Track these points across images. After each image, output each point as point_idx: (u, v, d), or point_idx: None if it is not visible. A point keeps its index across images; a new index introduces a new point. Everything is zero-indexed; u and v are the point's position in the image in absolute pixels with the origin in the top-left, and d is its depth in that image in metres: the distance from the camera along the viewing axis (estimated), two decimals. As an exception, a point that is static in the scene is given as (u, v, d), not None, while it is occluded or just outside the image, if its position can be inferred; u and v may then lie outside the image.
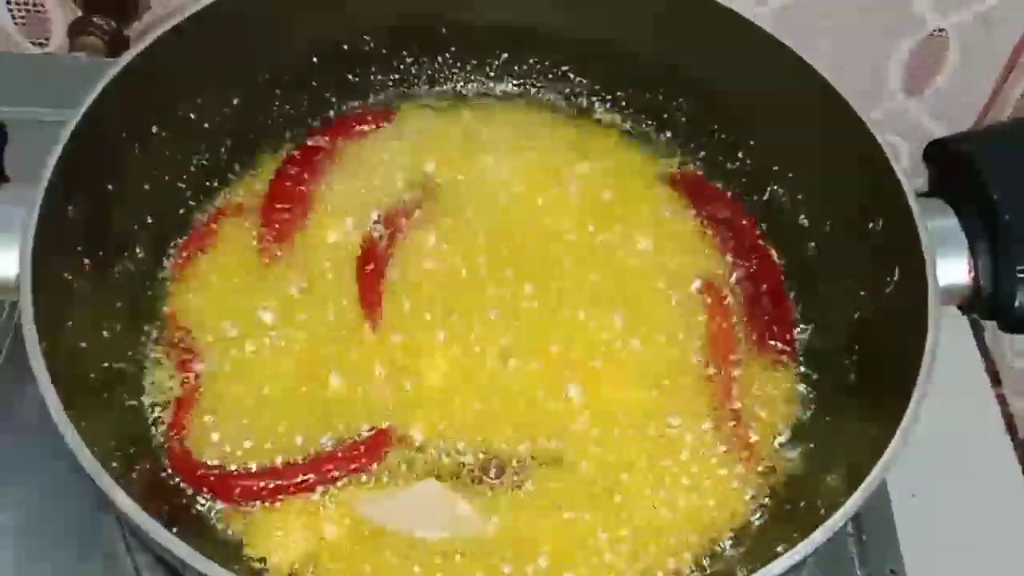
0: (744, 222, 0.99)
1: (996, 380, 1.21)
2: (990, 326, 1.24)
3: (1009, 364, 1.21)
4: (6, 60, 1.33)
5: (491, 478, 0.82)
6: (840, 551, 0.95)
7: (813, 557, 0.69)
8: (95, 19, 1.30)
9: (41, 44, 1.38)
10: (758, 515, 0.84)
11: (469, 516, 0.79)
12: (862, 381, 0.86)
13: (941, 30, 1.30)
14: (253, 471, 0.81)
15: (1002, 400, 1.19)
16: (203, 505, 0.79)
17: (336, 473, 0.80)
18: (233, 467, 0.81)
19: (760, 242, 0.98)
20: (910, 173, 0.83)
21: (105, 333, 0.81)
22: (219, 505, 0.79)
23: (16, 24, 1.36)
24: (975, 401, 1.18)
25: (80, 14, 1.31)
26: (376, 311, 0.90)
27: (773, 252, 0.97)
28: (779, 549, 0.68)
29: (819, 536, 0.68)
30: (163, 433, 0.83)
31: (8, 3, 1.33)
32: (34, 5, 1.34)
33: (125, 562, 0.87)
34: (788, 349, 0.92)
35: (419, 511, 0.78)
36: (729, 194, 1.01)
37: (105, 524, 0.89)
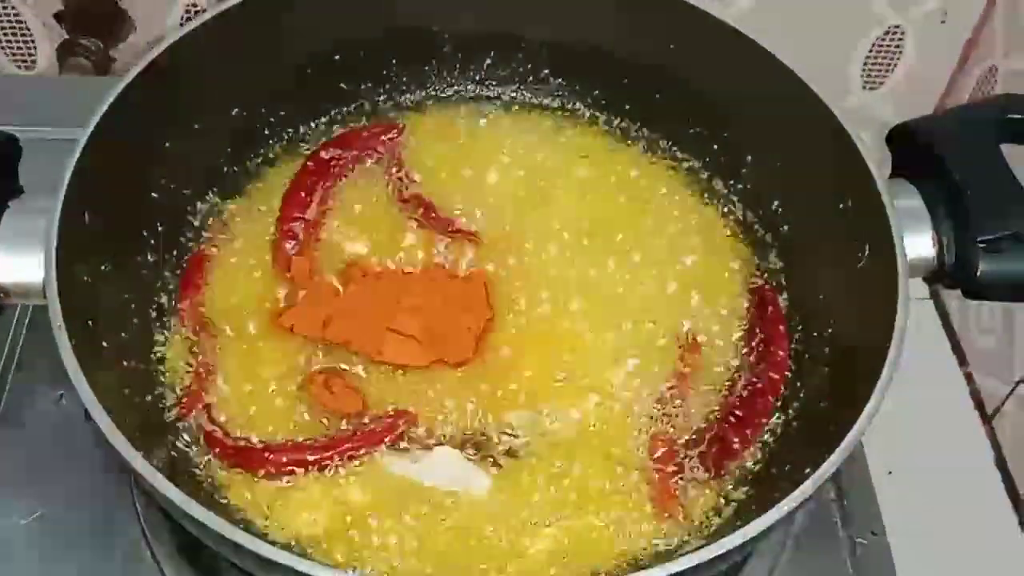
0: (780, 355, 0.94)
1: (963, 360, 1.26)
2: (954, 308, 1.29)
3: (974, 344, 1.26)
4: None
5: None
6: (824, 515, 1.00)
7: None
8: (82, 41, 1.34)
9: (27, 67, 1.41)
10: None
11: (478, 475, 0.85)
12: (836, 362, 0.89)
13: (897, 26, 1.37)
14: (277, 445, 0.85)
15: (969, 378, 1.24)
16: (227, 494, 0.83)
17: (356, 452, 0.84)
18: (256, 441, 0.85)
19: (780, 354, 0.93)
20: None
21: (124, 330, 0.85)
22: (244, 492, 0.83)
23: (1, 47, 1.39)
24: (943, 381, 1.23)
25: (66, 36, 1.35)
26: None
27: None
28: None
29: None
30: (180, 415, 0.87)
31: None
32: (19, 28, 1.36)
33: (145, 556, 0.91)
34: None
35: (437, 471, 0.85)
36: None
37: (127, 522, 0.93)
